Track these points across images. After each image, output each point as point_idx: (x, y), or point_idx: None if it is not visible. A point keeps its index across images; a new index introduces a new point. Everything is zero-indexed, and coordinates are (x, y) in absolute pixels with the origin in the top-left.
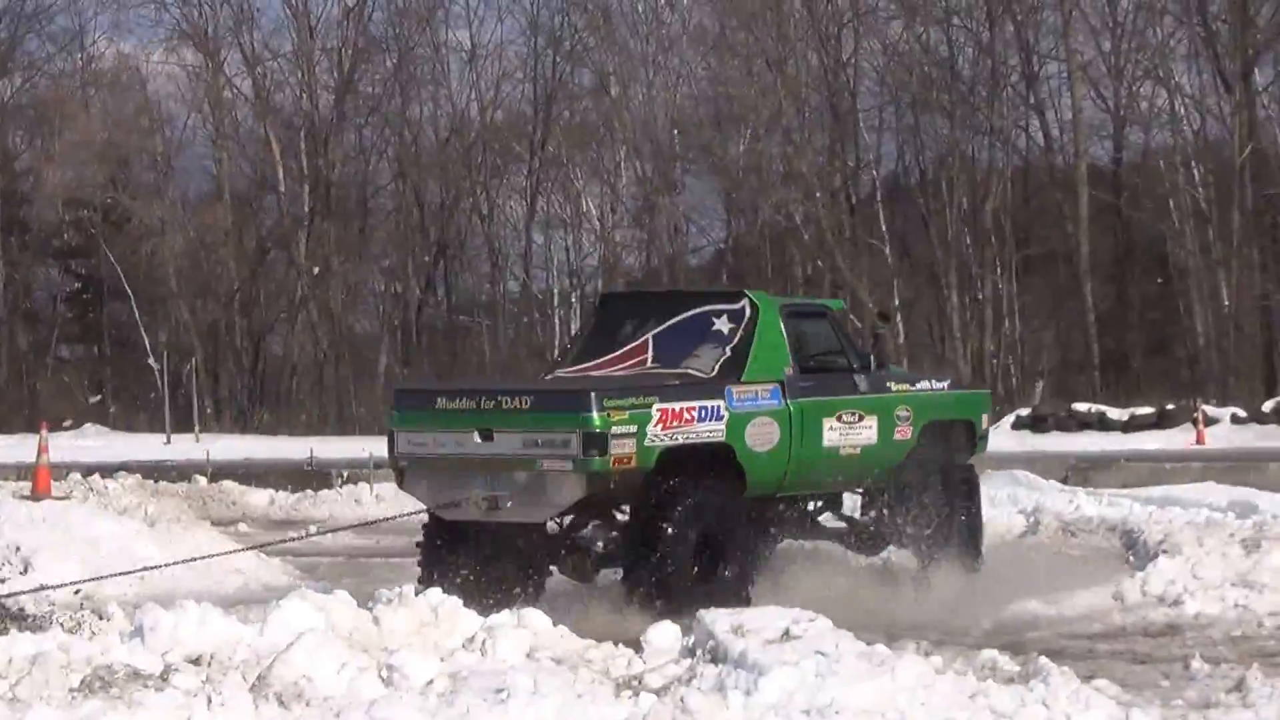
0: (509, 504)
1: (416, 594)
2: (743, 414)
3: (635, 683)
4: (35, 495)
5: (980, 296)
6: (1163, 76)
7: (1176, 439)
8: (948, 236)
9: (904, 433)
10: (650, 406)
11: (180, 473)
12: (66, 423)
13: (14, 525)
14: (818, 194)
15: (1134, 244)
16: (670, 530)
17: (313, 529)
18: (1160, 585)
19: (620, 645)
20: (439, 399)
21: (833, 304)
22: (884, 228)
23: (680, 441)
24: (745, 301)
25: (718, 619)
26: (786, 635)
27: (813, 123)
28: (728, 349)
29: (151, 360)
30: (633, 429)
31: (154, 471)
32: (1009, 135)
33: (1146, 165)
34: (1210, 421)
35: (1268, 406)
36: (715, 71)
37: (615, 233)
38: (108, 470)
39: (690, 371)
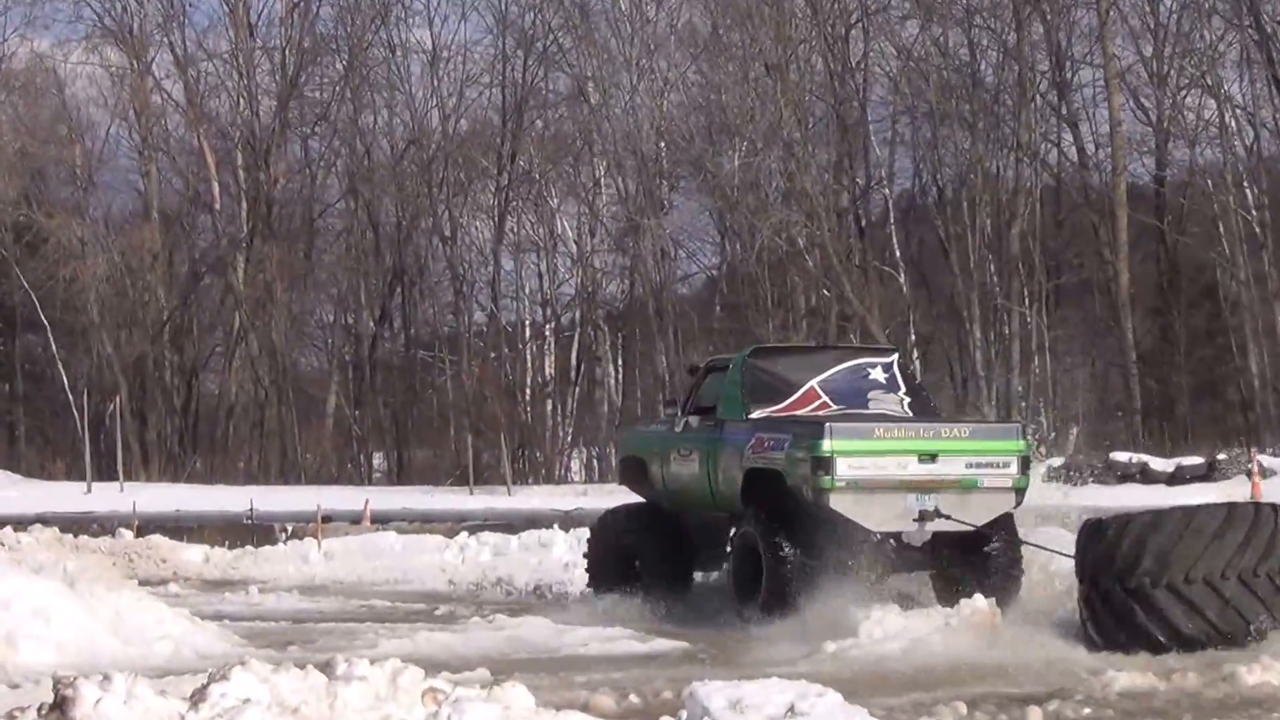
0: (942, 515)
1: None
2: None
3: None
4: None
5: (1006, 331)
6: (1211, 85)
7: (1229, 492)
8: (970, 263)
9: None
10: None
11: (103, 526)
12: None
13: None
14: (823, 215)
15: (1179, 273)
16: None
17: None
18: (1213, 655)
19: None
20: (878, 429)
21: None
22: (898, 253)
23: None
24: (896, 355)
25: (713, 693)
26: (791, 712)
27: (817, 135)
28: (900, 394)
29: (71, 399)
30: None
31: (74, 524)
32: (1038, 150)
33: (1193, 184)
34: (1266, 473)
35: None
36: (707, 77)
37: (594, 257)
38: (22, 522)
39: (885, 412)
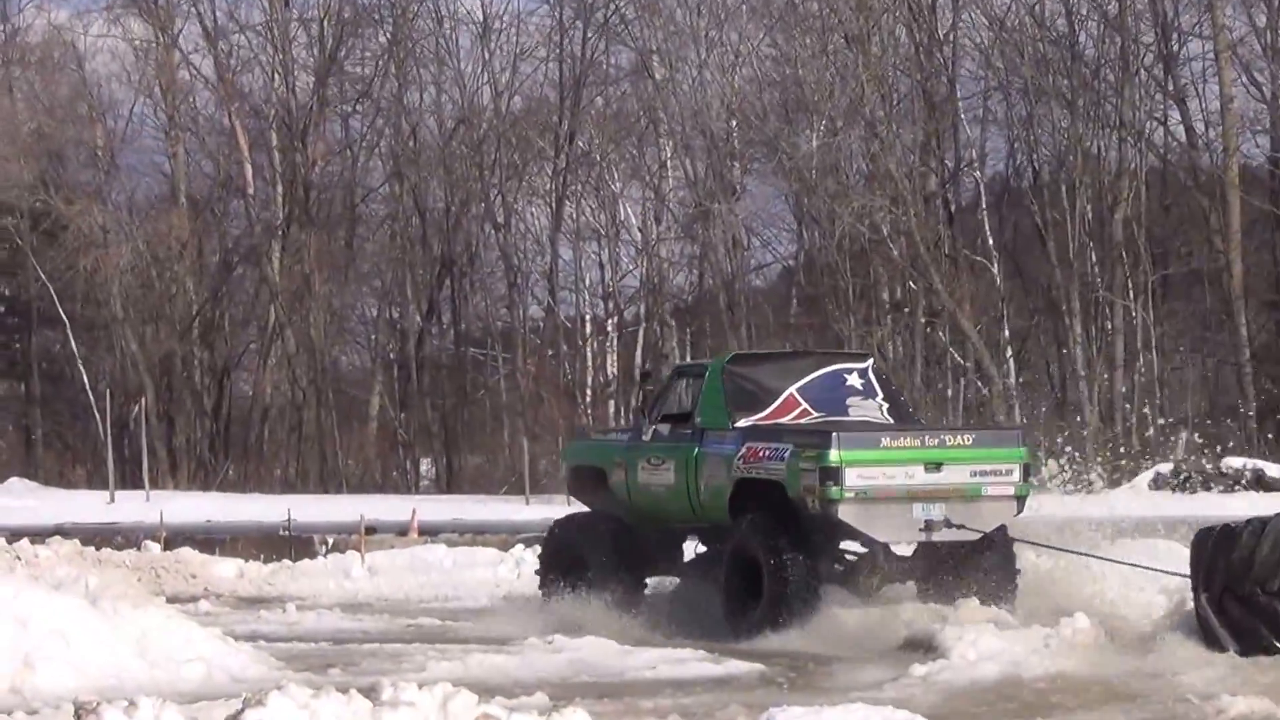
0: (954, 524)
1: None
2: None
3: None
4: None
5: (1109, 326)
6: None
7: None
8: (1069, 252)
9: None
10: None
11: (128, 538)
12: None
13: None
14: (909, 199)
15: None
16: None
17: None
18: None
19: None
20: (885, 439)
21: None
22: (990, 241)
23: None
24: (871, 360)
25: None
26: None
27: (902, 113)
28: (878, 400)
29: (92, 400)
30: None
31: (96, 536)
32: (1143, 129)
33: None
34: None
35: None
36: (782, 49)
37: (660, 246)
38: (40, 534)
39: (867, 419)
